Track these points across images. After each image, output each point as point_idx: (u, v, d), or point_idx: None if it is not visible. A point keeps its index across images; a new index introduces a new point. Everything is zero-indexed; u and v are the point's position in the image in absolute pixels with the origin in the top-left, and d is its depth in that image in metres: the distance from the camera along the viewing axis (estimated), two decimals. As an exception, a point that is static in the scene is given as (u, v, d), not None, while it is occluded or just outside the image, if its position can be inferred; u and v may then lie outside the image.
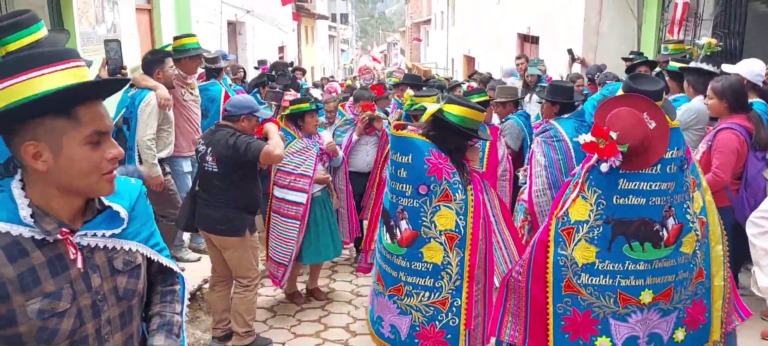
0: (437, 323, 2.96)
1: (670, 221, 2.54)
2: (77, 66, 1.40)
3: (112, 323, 1.54)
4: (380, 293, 3.12)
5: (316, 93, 10.08)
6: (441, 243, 2.89)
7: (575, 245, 2.59)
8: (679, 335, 2.64)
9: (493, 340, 3.15)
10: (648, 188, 2.51)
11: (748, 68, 4.63)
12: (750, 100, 4.27)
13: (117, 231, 1.54)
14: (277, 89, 6.31)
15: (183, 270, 5.59)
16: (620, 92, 2.87)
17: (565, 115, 4.57)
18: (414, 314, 2.99)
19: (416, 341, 3.00)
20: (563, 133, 4.43)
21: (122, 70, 3.95)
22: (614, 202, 2.53)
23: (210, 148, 3.97)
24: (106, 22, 6.56)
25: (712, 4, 7.50)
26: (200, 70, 6.14)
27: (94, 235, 1.50)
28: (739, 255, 3.82)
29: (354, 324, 4.77)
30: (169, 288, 1.81)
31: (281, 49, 19.54)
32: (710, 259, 2.72)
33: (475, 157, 3.17)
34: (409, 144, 2.90)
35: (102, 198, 1.53)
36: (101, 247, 1.51)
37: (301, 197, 4.66)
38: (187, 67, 5.27)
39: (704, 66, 4.90)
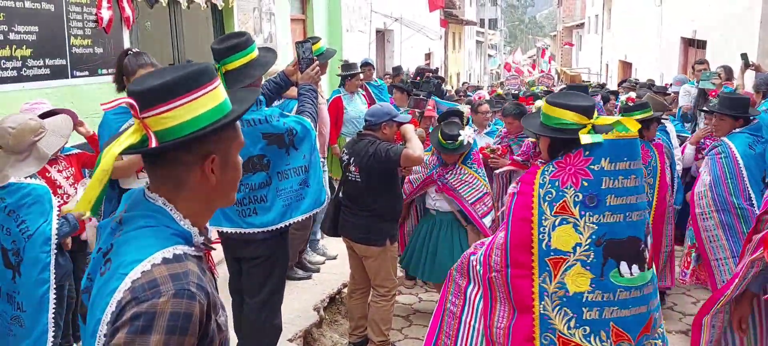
0: None
1: None
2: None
3: None
4: None
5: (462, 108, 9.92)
6: None
7: None
8: None
9: None
10: None
11: None
12: None
13: None
14: (421, 96, 6.30)
15: (317, 271, 5.61)
16: None
17: (737, 129, 4.22)
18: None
19: None
20: (733, 148, 4.10)
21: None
22: None
23: (352, 158, 4.01)
24: (263, 33, 6.97)
25: None
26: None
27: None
28: None
29: (491, 342, 4.61)
30: None
31: (427, 55, 19.68)
32: None
33: None
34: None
35: None
36: None
37: None
38: None
39: None
